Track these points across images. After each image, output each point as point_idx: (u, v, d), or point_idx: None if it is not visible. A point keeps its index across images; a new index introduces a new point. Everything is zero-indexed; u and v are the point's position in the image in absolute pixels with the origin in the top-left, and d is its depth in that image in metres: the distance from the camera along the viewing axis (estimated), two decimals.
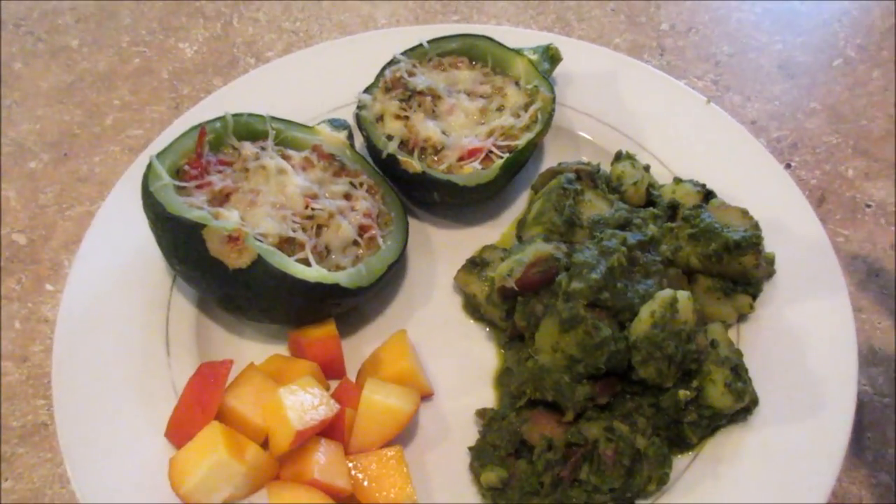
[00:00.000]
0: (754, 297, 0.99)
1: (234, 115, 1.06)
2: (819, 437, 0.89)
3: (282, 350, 1.03)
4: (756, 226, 0.98)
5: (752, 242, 0.95)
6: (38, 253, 1.19)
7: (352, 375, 1.01)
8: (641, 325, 0.87)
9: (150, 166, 0.97)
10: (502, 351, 1.03)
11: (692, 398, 0.88)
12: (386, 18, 1.51)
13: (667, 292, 0.89)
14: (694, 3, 1.53)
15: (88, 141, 1.33)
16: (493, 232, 1.16)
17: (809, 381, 0.94)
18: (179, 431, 0.89)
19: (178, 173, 1.00)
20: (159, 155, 0.99)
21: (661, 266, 0.95)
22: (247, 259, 0.92)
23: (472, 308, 1.07)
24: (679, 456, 0.91)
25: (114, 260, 1.06)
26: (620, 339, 0.88)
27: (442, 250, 1.14)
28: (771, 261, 1.02)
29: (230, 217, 0.95)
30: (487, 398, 1.00)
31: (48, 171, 1.29)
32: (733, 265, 0.95)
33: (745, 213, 0.99)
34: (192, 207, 0.95)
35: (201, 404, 0.88)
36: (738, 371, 0.89)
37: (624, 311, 0.90)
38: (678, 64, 1.43)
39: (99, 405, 0.94)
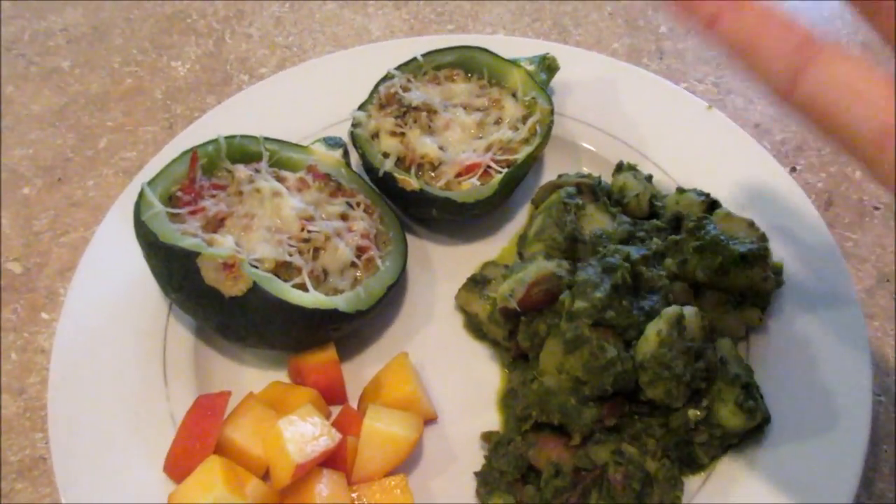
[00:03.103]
0: (763, 309, 0.97)
1: (227, 138, 1.04)
2: (835, 452, 0.87)
3: (282, 376, 1.01)
4: (763, 237, 0.96)
5: (758, 255, 0.92)
6: (34, 281, 1.17)
7: (353, 401, 0.99)
8: (648, 344, 0.85)
9: (141, 194, 0.96)
10: (506, 371, 1.01)
11: (702, 418, 0.86)
12: (380, 30, 1.49)
13: (673, 309, 0.86)
14: None
15: (82, 164, 1.31)
16: (493, 247, 1.14)
17: (822, 395, 0.91)
18: (178, 466, 0.87)
19: (170, 199, 0.98)
20: (151, 182, 0.97)
21: (666, 281, 0.93)
22: (242, 286, 0.90)
23: (474, 327, 1.04)
24: (690, 477, 0.89)
25: (108, 288, 1.05)
26: (627, 359, 0.86)
27: (442, 268, 1.12)
28: (779, 271, 1.00)
29: (224, 243, 0.93)
30: (492, 421, 0.98)
31: (42, 197, 1.27)
32: (740, 278, 0.93)
33: (751, 224, 0.97)
34: (186, 235, 0.93)
35: (199, 438, 0.86)
36: (749, 389, 0.87)
37: (630, 329, 0.87)
38: (678, 67, 1.41)
39: (96, 439, 0.92)
